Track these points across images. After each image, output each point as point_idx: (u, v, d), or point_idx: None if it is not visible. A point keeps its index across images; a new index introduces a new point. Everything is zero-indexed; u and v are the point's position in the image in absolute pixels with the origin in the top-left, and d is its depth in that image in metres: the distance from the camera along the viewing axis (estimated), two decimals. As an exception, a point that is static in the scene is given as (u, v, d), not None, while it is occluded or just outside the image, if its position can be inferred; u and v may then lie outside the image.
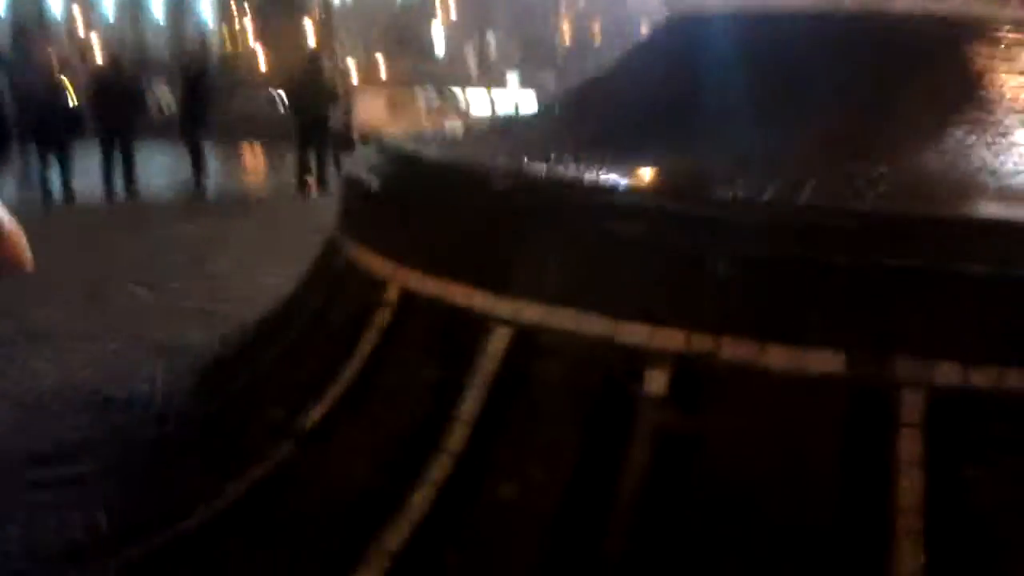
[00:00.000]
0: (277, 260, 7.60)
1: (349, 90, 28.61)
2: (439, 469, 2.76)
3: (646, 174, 2.97)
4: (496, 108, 38.51)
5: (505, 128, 4.04)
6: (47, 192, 10.36)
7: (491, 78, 51.54)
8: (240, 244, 8.27)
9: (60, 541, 2.99)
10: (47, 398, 4.19)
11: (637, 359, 2.64)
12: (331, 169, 12.44)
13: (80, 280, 6.23)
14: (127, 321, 5.50)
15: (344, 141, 13.00)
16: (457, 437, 2.80)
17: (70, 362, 4.67)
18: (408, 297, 3.26)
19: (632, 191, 2.79)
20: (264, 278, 6.89)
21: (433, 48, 63.70)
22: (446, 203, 3.15)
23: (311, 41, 60.14)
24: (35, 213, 4.94)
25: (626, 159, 3.13)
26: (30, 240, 1.95)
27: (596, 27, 66.30)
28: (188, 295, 6.17)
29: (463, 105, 35.59)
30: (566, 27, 67.05)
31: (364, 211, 3.77)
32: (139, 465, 3.50)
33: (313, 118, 12.23)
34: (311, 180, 12.27)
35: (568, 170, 3.00)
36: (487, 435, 2.79)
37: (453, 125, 5.12)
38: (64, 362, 4.67)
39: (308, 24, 59.01)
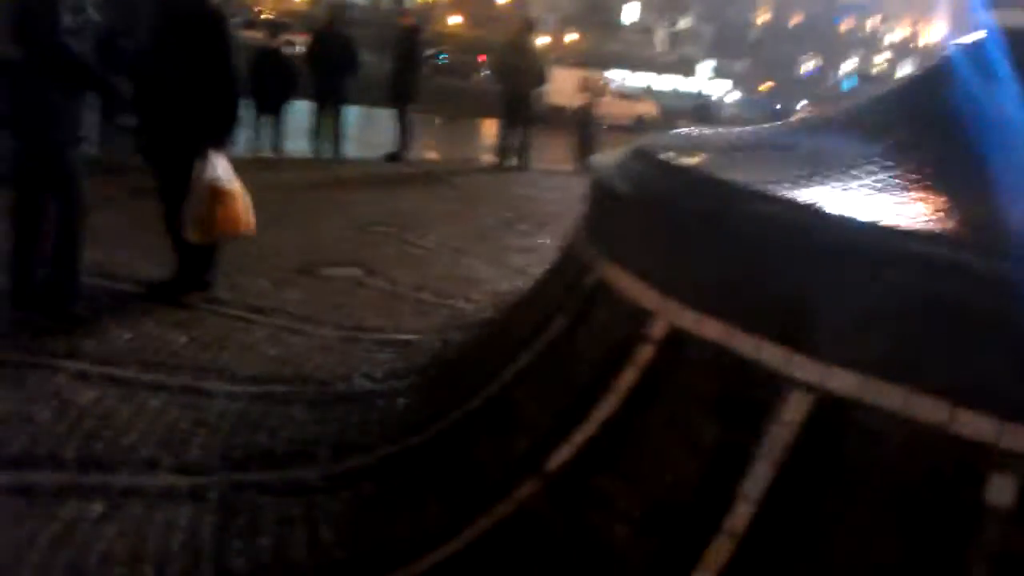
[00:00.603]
0: (482, 242, 7.42)
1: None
2: (718, 553, 2.40)
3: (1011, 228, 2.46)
4: (694, 96, 37.59)
5: (786, 144, 3.57)
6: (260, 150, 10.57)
7: (683, 63, 50.45)
8: (445, 221, 8.12)
9: (280, 563, 2.79)
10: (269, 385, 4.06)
11: (979, 458, 2.20)
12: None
13: (300, 255, 6.16)
14: (343, 304, 5.37)
15: (534, 119, 12.76)
16: (741, 517, 2.43)
17: (294, 346, 4.54)
18: (678, 336, 2.90)
19: (995, 254, 2.30)
20: (470, 261, 6.70)
21: (623, 29, 63.02)
22: (745, 236, 2.74)
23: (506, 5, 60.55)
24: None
25: (966, 206, 2.66)
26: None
27: (795, 18, 63.89)
28: (398, 279, 6.00)
29: (652, 93, 35.01)
30: (762, 15, 64.94)
31: (624, 227, 3.41)
32: (366, 479, 3.29)
33: (520, 96, 12.05)
34: (515, 158, 12.17)
35: (909, 217, 2.54)
36: (777, 519, 2.41)
37: (713, 132, 4.67)
38: (287, 345, 4.54)
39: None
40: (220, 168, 4.83)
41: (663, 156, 3.49)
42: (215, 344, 4.43)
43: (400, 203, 8.78)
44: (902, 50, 59.15)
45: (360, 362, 4.36)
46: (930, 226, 2.51)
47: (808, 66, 58.95)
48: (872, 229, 2.50)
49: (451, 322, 5.13)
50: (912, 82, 3.79)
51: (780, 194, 2.78)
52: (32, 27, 4.26)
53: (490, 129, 13.05)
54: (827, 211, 2.63)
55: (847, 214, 2.58)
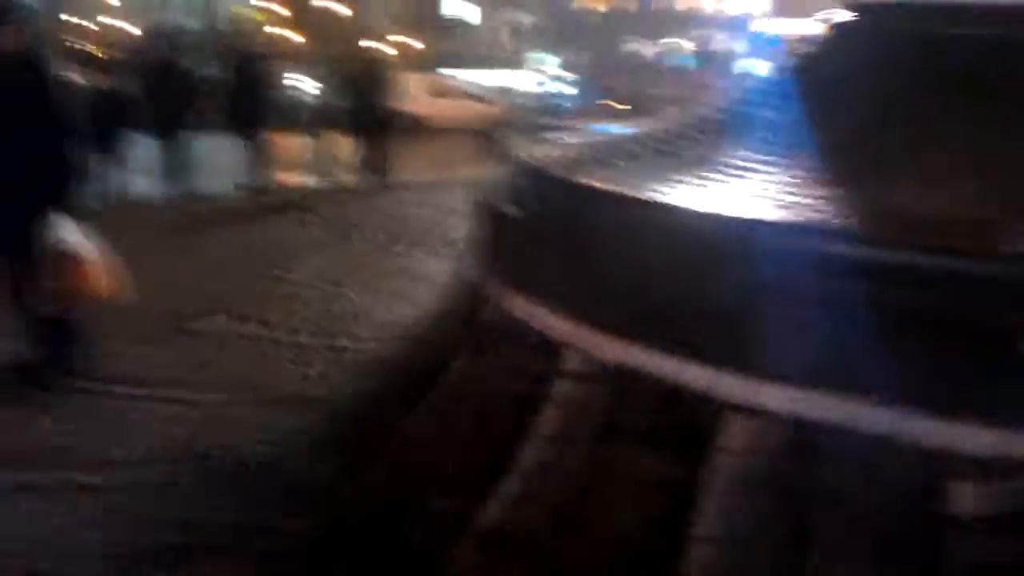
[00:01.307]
0: (357, 270, 7.10)
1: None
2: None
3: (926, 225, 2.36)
4: (543, 93, 37.59)
5: (670, 147, 3.43)
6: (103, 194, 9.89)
7: (526, 58, 50.66)
8: (314, 251, 7.76)
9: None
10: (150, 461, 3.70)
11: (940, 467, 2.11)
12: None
13: (161, 306, 5.70)
14: (226, 361, 4.99)
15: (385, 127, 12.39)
16: (697, 561, 2.27)
17: (174, 418, 4.16)
18: (598, 368, 2.72)
19: (922, 249, 2.19)
20: (353, 294, 6.39)
21: (463, 26, 62.92)
22: (654, 251, 2.57)
23: (345, 15, 59.53)
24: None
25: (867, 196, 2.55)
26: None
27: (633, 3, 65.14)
28: (272, 322, 5.65)
29: (507, 92, 34.84)
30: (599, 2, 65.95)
31: (523, 252, 3.21)
32: (280, 556, 2.99)
33: (366, 105, 11.73)
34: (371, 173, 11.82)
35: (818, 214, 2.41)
36: (736, 558, 2.26)
37: (589, 137, 4.51)
38: (166, 418, 4.16)
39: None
40: (65, 229, 4.39)
41: (553, 171, 3.30)
42: (85, 427, 4.01)
43: (263, 236, 8.38)
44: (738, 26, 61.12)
45: (249, 429, 4.02)
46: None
47: (634, 47, 59.73)
48: (764, 228, 2.38)
49: (338, 369, 4.84)
50: (792, 68, 3.70)
51: (680, 204, 2.63)
52: None
53: (340, 144, 12.60)
54: (727, 216, 2.50)
55: (744, 217, 2.45)
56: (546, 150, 3.98)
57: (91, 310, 4.71)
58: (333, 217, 9.46)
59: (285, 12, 50.03)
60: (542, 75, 45.07)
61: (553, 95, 38.80)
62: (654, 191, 2.74)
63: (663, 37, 57.25)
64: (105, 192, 9.79)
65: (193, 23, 37.17)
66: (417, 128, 20.85)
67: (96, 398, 4.35)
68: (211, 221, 9.09)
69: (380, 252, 7.88)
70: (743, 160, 3.05)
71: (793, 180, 2.73)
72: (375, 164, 11.94)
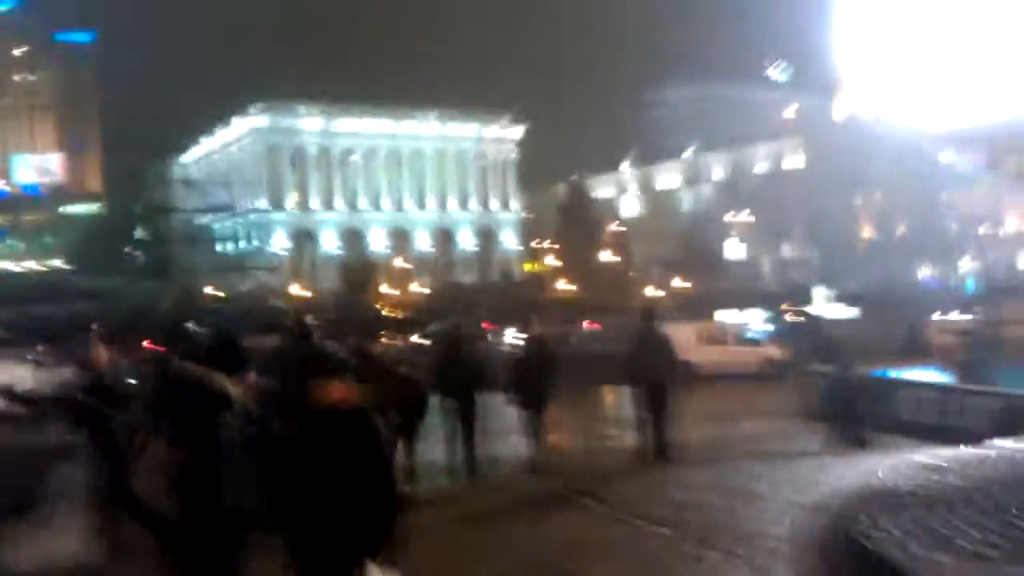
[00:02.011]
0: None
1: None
2: None
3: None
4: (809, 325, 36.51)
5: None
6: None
7: (794, 294, 49.75)
8: (601, 555, 7.52)
9: None
10: None
11: None
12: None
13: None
14: None
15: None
16: None
17: None
18: None
19: None
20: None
21: (725, 264, 63.52)
22: None
23: (607, 256, 61.78)
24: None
25: None
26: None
27: (900, 227, 63.56)
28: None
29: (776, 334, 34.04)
30: (866, 230, 64.88)
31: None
32: None
33: (652, 385, 11.58)
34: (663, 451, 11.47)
35: None
36: None
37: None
38: None
39: (606, 249, 61.00)
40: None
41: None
42: None
43: (557, 532, 8.24)
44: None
45: None
46: None
47: (925, 275, 57.87)
48: None
49: None
50: None
51: None
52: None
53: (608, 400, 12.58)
54: None
55: None
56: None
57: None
58: (621, 501, 9.26)
59: (557, 263, 52.85)
60: (824, 306, 44.02)
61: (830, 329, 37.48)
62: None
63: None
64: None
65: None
66: (689, 377, 20.63)
67: None
68: (505, 511, 9.14)
69: (681, 562, 7.46)
70: None
71: None
72: (656, 421, 11.58)
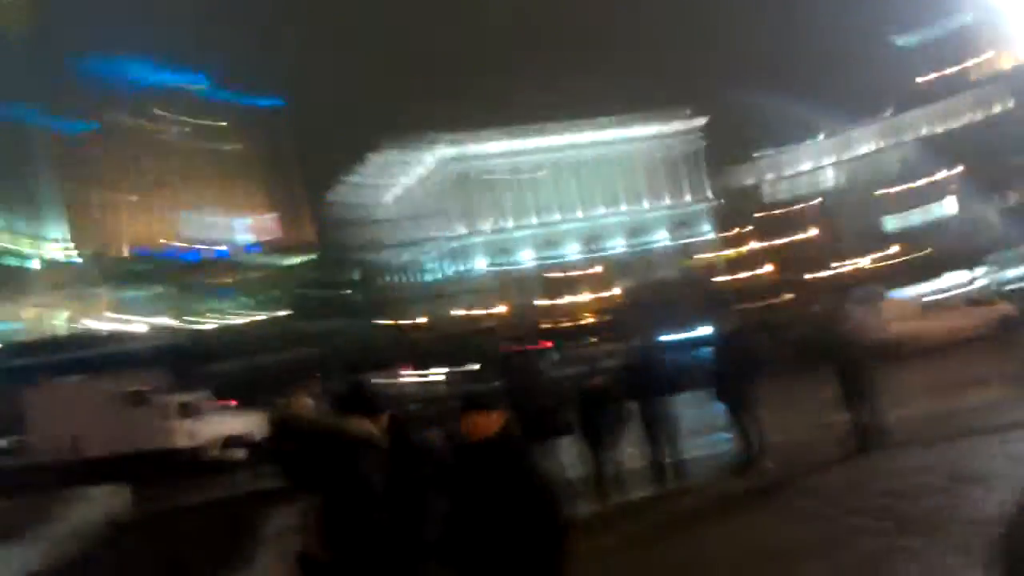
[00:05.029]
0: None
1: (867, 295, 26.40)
2: None
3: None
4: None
5: None
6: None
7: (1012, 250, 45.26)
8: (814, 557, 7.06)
9: None
10: None
11: None
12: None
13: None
14: None
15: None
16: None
17: None
18: None
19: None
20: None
21: (941, 223, 59.33)
22: None
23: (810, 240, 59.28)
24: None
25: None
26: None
27: None
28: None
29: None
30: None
31: None
32: None
33: (844, 366, 10.82)
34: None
35: None
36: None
37: None
38: None
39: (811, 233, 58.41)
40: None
41: None
42: None
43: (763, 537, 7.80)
44: None
45: None
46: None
47: None
48: None
49: None
50: None
51: None
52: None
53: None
54: None
55: None
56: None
57: None
58: (830, 495, 8.69)
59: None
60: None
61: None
62: None
63: None
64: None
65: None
66: (904, 353, 19.18)
67: None
68: (705, 517, 8.80)
69: (887, 547, 6.91)
70: None
71: None
72: (855, 405, 10.80)
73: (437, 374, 28.25)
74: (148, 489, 16.02)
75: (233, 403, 23.89)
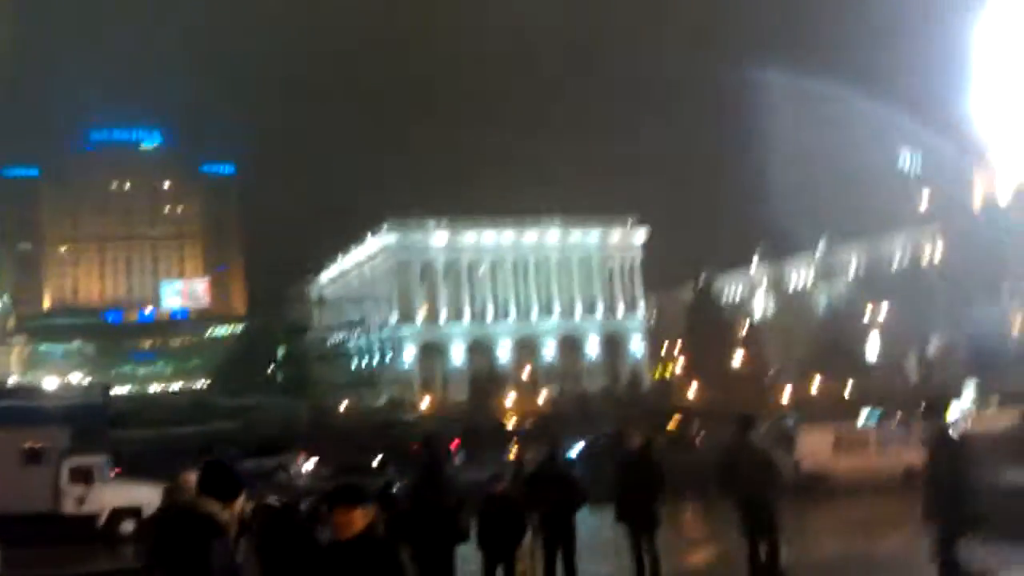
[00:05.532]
0: None
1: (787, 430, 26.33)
2: None
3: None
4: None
5: None
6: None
7: (940, 392, 46.35)
8: None
9: None
10: None
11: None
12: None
13: None
14: None
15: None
16: None
17: None
18: None
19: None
20: None
21: (865, 364, 60.49)
22: None
23: (737, 360, 60.02)
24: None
25: None
26: None
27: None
28: None
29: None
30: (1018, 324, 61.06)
31: None
32: None
33: (749, 501, 10.48)
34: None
35: None
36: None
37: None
38: None
39: (738, 352, 59.38)
40: None
41: None
42: None
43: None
44: None
45: None
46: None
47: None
48: None
49: None
50: None
51: None
52: None
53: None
54: None
55: None
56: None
57: None
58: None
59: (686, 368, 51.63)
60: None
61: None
62: None
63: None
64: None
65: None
66: (819, 489, 19.08)
67: None
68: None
69: None
70: None
71: None
72: (756, 543, 10.46)
73: (341, 462, 27.65)
74: (22, 552, 15.12)
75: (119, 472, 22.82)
